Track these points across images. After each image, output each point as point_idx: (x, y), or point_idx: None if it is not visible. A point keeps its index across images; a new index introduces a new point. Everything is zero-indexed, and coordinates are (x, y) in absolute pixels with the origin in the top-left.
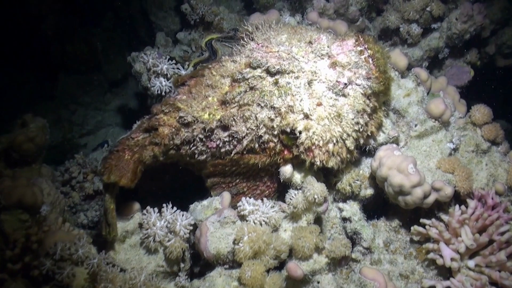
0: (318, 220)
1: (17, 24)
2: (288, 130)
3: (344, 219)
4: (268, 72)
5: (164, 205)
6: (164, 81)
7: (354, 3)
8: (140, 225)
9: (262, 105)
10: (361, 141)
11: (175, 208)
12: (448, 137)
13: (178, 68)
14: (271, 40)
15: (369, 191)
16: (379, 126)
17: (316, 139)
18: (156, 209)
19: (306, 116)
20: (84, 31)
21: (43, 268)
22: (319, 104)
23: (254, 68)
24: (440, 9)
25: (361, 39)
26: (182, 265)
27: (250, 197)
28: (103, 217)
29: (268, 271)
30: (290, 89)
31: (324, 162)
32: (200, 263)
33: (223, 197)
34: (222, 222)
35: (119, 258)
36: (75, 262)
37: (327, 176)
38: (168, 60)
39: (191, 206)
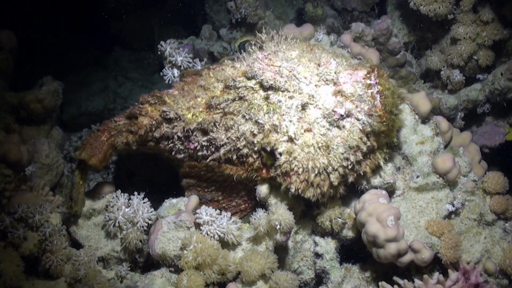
0: (284, 249)
1: None
2: (268, 149)
3: (317, 255)
4: (262, 85)
5: (135, 193)
6: (177, 73)
7: (400, 35)
8: (107, 207)
9: (247, 117)
10: (350, 179)
11: (146, 200)
12: (450, 198)
13: (195, 63)
14: (279, 54)
15: (351, 233)
16: (376, 168)
17: (296, 165)
18: (125, 195)
19: (290, 139)
20: (145, 10)
21: (1, 224)
22: (309, 130)
23: (249, 79)
24: (488, 60)
25: (374, 72)
26: (137, 255)
27: (225, 207)
28: (69, 191)
29: (209, 285)
30: (279, 107)
31: (300, 190)
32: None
33: (190, 200)
34: (177, 224)
35: (80, 233)
36: (30, 226)
37: (312, 206)
38: (185, 53)
39: (164, 201)
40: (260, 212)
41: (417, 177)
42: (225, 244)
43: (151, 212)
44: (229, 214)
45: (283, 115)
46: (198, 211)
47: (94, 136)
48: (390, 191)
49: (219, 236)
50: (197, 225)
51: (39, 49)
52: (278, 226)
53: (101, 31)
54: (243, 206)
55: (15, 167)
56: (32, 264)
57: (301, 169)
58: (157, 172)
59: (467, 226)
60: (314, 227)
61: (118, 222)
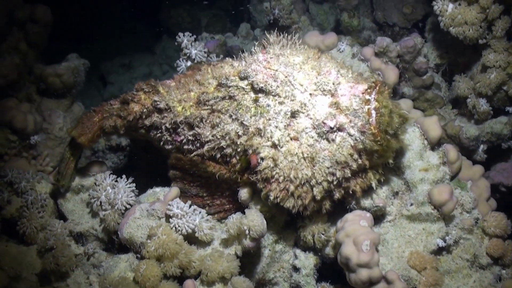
0: (257, 256)
1: None
2: (250, 151)
3: (295, 268)
4: (253, 87)
5: (123, 176)
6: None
7: (432, 56)
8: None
9: (234, 117)
10: (337, 195)
11: (132, 185)
12: (442, 232)
13: (210, 58)
14: (280, 57)
15: (333, 252)
16: (367, 188)
17: (277, 173)
18: (113, 177)
19: (274, 145)
20: (195, 3)
21: None
22: (295, 139)
23: (241, 79)
24: None
25: (375, 88)
26: (114, 237)
27: (209, 204)
28: (58, 165)
29: (169, 278)
30: (267, 111)
31: (279, 199)
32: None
33: (170, 191)
34: (150, 213)
35: (66, 206)
36: (16, 191)
37: (297, 218)
38: (200, 46)
39: (148, 189)
40: (235, 215)
41: (411, 205)
42: (196, 241)
43: (131, 196)
44: (204, 212)
45: (270, 119)
46: (170, 203)
47: (88, 116)
48: (380, 215)
49: (187, 231)
50: (167, 217)
51: (98, 29)
52: (247, 231)
53: (153, 19)
54: (227, 206)
55: (20, 134)
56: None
57: (282, 177)
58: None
59: (458, 266)
60: (297, 240)
61: (100, 202)
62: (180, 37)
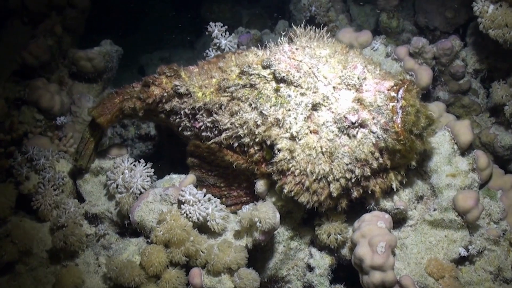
0: (269, 250)
1: None
2: (268, 142)
3: (309, 267)
4: (275, 77)
5: (142, 160)
6: None
7: (471, 61)
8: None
9: (253, 106)
10: (355, 194)
11: (150, 169)
12: (465, 241)
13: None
14: (306, 49)
15: (350, 254)
16: (387, 189)
17: (293, 165)
18: (131, 160)
19: (292, 137)
20: (237, 2)
21: (13, 161)
22: (315, 132)
23: (264, 68)
24: None
25: (403, 86)
26: (127, 221)
27: (226, 195)
28: (78, 144)
29: (175, 265)
30: (288, 102)
31: (293, 193)
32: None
33: (185, 178)
34: (163, 197)
35: (85, 187)
36: (35, 168)
37: (314, 215)
38: (230, 37)
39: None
40: (248, 206)
41: (434, 210)
42: (208, 230)
43: (147, 181)
44: (218, 201)
45: (289, 110)
46: (183, 188)
47: (110, 97)
48: (401, 218)
49: (198, 218)
50: (179, 203)
51: (142, 23)
52: (258, 224)
53: (196, 15)
54: (245, 198)
55: (46, 113)
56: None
57: (298, 171)
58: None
59: (480, 277)
60: (314, 238)
61: (117, 185)
62: (211, 27)
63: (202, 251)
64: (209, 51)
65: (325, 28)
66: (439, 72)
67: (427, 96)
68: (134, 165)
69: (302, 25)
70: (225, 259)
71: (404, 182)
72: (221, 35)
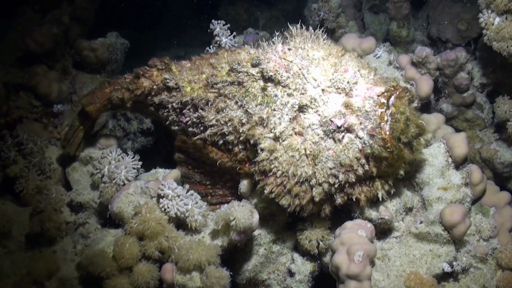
0: (249, 252)
1: None
2: (252, 141)
3: (290, 272)
4: (263, 75)
5: (129, 151)
6: None
7: (478, 74)
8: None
9: (240, 104)
10: (339, 200)
11: (137, 163)
12: (450, 257)
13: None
14: (298, 50)
15: None
16: (373, 198)
17: (275, 166)
18: (119, 151)
19: (276, 137)
20: (254, 4)
21: (3, 144)
22: (300, 134)
23: (253, 66)
24: None
25: (394, 92)
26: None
27: (212, 194)
28: (67, 131)
29: (149, 259)
30: (274, 102)
31: (274, 194)
32: None
33: (169, 172)
34: (143, 190)
35: (73, 176)
36: (23, 153)
37: (298, 220)
38: (231, 36)
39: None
40: (226, 205)
41: (420, 222)
42: (185, 227)
43: (131, 173)
44: (199, 198)
45: (275, 110)
46: (162, 182)
47: (101, 87)
48: (387, 229)
49: (176, 213)
50: (159, 197)
51: (162, 21)
52: (233, 223)
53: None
54: (230, 198)
55: (44, 100)
56: None
57: (280, 172)
58: None
59: None
60: (297, 243)
61: (102, 175)
62: (213, 25)
63: (176, 247)
64: (210, 48)
65: (322, 30)
66: (443, 84)
67: (429, 108)
68: (122, 156)
69: (298, 26)
70: (196, 256)
71: (392, 192)
72: (222, 33)
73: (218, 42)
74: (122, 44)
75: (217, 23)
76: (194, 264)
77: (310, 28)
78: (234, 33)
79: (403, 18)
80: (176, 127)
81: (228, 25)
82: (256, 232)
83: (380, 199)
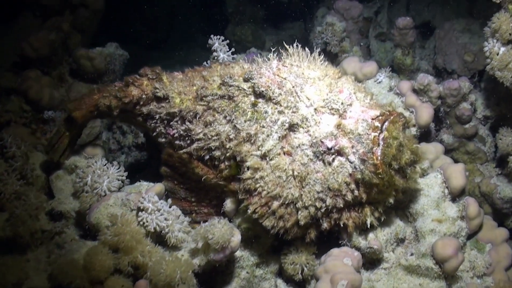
0: (230, 274)
1: None
2: (238, 158)
3: None
4: (254, 90)
5: (115, 162)
6: None
7: (481, 106)
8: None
9: (228, 119)
10: (325, 225)
11: (122, 174)
12: None
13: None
14: (293, 68)
15: None
16: (362, 225)
17: (260, 186)
18: (104, 161)
19: (263, 156)
20: (261, 27)
21: None
22: (288, 154)
23: (245, 80)
24: None
25: (388, 117)
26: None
27: (196, 211)
28: (52, 136)
29: (121, 272)
30: (263, 118)
31: (257, 215)
32: None
33: (153, 186)
34: (124, 202)
35: (56, 184)
36: (5, 156)
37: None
38: (229, 52)
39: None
40: (206, 223)
41: (411, 254)
42: (165, 243)
43: (114, 184)
44: (180, 213)
45: (264, 127)
46: (143, 195)
47: (90, 93)
48: (375, 259)
49: (154, 228)
50: (138, 209)
51: (171, 39)
52: (211, 237)
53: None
54: (215, 217)
55: (34, 105)
56: None
57: (265, 192)
58: None
59: None
60: (281, 268)
61: (84, 184)
62: (212, 40)
63: (150, 263)
64: (206, 63)
65: (315, 46)
66: (445, 114)
67: (429, 137)
68: (107, 167)
69: (295, 45)
70: (167, 272)
71: (382, 220)
72: (221, 49)
73: (216, 58)
74: (122, 55)
75: (216, 38)
76: (166, 282)
77: (307, 48)
78: (233, 49)
79: (409, 46)
80: (163, 139)
81: (227, 41)
82: (238, 254)
83: (369, 226)
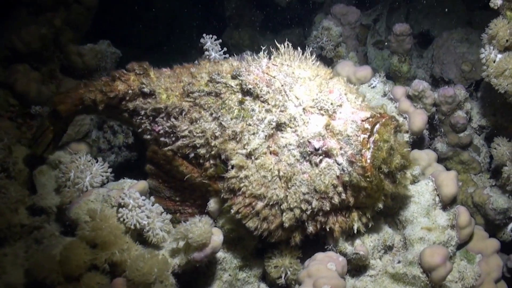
0: (211, 276)
1: None
2: (223, 156)
3: None
4: (241, 88)
5: (100, 158)
6: None
7: (477, 115)
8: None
9: (214, 116)
10: (310, 228)
11: (106, 171)
12: None
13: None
14: (284, 67)
15: None
16: (349, 230)
17: (244, 185)
18: (88, 157)
19: (248, 154)
20: (259, 31)
21: None
22: (274, 153)
23: (233, 77)
24: None
25: (380, 119)
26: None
27: (181, 211)
28: (36, 130)
29: (98, 268)
30: (250, 116)
31: (240, 215)
32: None
33: (136, 183)
34: (105, 198)
35: (40, 179)
36: None
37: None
38: (221, 52)
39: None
40: (186, 222)
41: (398, 262)
42: (145, 241)
43: (97, 180)
44: (162, 210)
45: (250, 125)
46: (124, 191)
47: (76, 87)
48: (362, 266)
49: (135, 225)
50: (119, 206)
51: (167, 42)
52: (190, 235)
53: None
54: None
55: (21, 99)
56: None
57: (249, 192)
58: None
59: None
60: (265, 272)
61: (66, 179)
62: (204, 38)
63: (129, 260)
64: (197, 61)
65: (310, 50)
66: (439, 122)
67: (422, 145)
68: (91, 162)
69: (286, 44)
70: (145, 272)
71: (370, 225)
72: (213, 48)
73: (207, 57)
74: (114, 53)
75: (209, 38)
76: (143, 280)
77: (299, 48)
78: (225, 49)
79: (405, 53)
80: (149, 136)
81: (220, 40)
82: (221, 255)
83: (356, 231)
